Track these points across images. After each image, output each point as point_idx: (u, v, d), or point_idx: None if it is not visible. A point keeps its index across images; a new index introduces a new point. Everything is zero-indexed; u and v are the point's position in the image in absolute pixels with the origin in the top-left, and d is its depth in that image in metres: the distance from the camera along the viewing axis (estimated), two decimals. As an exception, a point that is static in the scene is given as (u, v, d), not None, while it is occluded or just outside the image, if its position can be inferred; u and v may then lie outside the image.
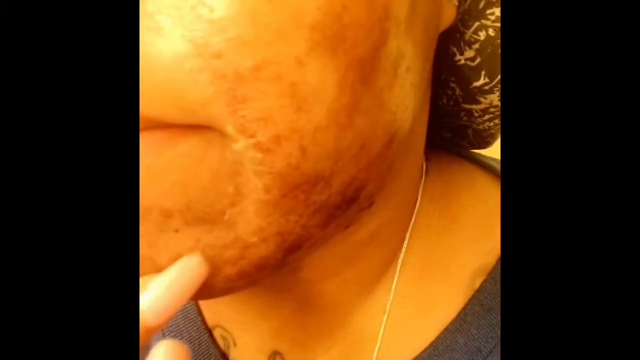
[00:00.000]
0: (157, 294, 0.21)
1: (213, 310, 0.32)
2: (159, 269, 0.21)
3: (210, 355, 0.31)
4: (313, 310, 0.29)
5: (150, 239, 0.21)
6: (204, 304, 0.32)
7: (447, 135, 0.33)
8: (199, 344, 0.31)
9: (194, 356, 0.31)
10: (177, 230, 0.21)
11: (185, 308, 0.32)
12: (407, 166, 0.28)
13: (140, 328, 0.20)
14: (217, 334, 0.32)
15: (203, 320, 0.32)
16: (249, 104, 0.19)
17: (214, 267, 0.22)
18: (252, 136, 0.20)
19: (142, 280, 0.21)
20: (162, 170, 0.20)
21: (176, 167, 0.20)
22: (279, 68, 0.19)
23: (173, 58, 0.19)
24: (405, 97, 0.23)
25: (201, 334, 0.31)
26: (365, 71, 0.21)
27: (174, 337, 0.32)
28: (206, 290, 0.22)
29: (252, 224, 0.21)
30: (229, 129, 0.20)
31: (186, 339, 0.32)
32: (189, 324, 0.32)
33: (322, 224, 0.23)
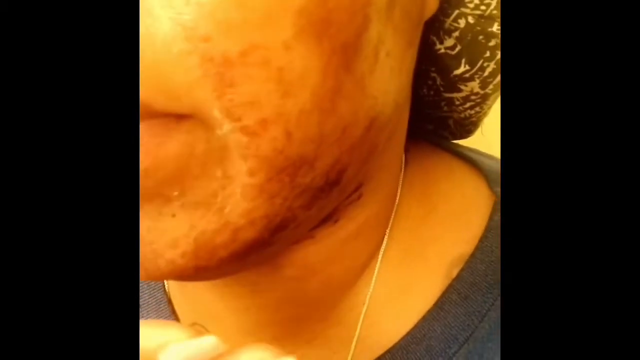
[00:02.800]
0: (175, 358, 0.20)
1: (189, 309, 0.32)
2: (156, 254, 0.22)
3: None
4: (294, 307, 0.29)
5: (150, 224, 0.22)
6: (178, 304, 0.33)
7: (428, 127, 0.33)
8: None
9: None
10: (174, 215, 0.22)
11: (160, 307, 0.33)
12: (391, 157, 0.28)
13: None
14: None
15: (176, 319, 0.32)
16: (236, 88, 0.20)
17: (208, 254, 0.22)
18: (238, 120, 0.20)
19: (164, 340, 0.20)
20: (157, 165, 0.21)
21: (168, 164, 0.21)
22: (266, 53, 0.20)
23: (162, 41, 0.19)
24: (385, 82, 0.23)
25: None
26: (348, 56, 0.21)
27: None
28: (202, 273, 0.23)
29: (240, 207, 0.21)
30: (215, 113, 0.20)
31: None
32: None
33: (306, 206, 0.23)
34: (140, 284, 0.34)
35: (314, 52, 0.20)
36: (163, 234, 0.22)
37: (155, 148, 0.21)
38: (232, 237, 0.22)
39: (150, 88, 0.20)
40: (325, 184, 0.23)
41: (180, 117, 0.20)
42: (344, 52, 0.21)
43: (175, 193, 0.22)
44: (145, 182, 0.21)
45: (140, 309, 0.33)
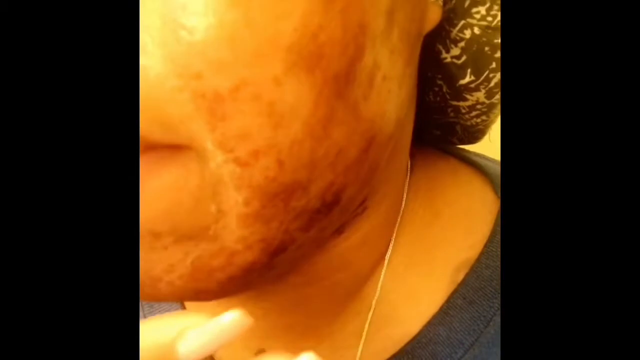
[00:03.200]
0: (194, 344, 0.20)
1: (196, 310, 0.32)
2: (154, 279, 0.22)
3: None
4: (300, 312, 0.29)
5: (143, 256, 0.22)
6: (187, 305, 0.33)
7: (436, 132, 0.33)
8: None
9: None
10: (166, 248, 0.22)
11: (171, 306, 0.33)
12: (396, 167, 0.28)
13: None
14: None
15: None
16: (228, 122, 0.20)
17: (205, 275, 0.22)
18: (230, 151, 0.20)
19: (181, 328, 0.20)
20: (148, 199, 0.21)
21: (161, 197, 0.21)
22: (256, 88, 0.20)
23: (155, 76, 0.20)
24: (382, 104, 0.23)
25: None
26: (340, 85, 0.21)
27: None
28: (203, 294, 0.23)
29: (235, 234, 0.22)
30: (209, 145, 0.20)
31: None
32: None
33: (304, 228, 0.23)
34: None
35: (305, 85, 0.20)
36: (158, 262, 0.22)
37: (146, 183, 0.21)
38: (228, 260, 0.22)
39: (146, 120, 0.20)
40: (322, 206, 0.23)
41: (176, 149, 0.21)
42: (336, 82, 0.21)
43: (166, 229, 0.22)
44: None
45: (152, 308, 0.34)
